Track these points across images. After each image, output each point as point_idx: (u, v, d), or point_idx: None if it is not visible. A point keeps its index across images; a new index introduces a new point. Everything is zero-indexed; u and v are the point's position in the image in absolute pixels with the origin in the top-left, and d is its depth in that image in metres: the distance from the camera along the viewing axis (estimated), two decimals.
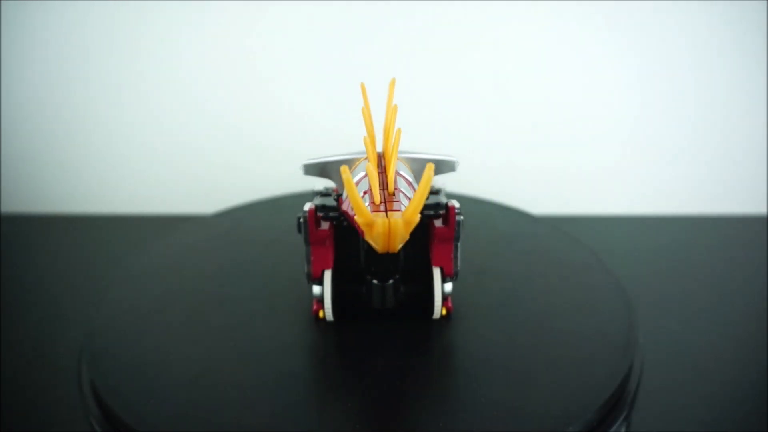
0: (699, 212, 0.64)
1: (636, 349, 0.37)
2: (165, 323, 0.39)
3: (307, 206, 0.35)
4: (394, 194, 0.31)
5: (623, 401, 0.35)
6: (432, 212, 0.35)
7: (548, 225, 0.49)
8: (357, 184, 0.33)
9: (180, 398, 0.33)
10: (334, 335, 0.38)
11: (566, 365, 0.35)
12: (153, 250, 0.46)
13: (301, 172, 0.37)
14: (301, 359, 0.36)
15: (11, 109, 0.62)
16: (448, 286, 0.37)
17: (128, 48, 0.60)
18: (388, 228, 0.28)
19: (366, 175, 0.32)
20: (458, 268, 0.37)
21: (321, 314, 0.38)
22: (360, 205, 0.27)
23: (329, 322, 0.38)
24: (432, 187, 0.36)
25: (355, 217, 0.28)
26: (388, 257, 0.36)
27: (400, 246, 0.30)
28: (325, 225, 0.35)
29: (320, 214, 0.35)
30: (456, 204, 0.35)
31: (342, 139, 0.44)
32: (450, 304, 0.38)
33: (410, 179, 0.34)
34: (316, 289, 0.37)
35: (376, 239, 0.29)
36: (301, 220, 0.35)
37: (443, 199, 0.35)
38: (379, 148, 0.35)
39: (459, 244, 0.36)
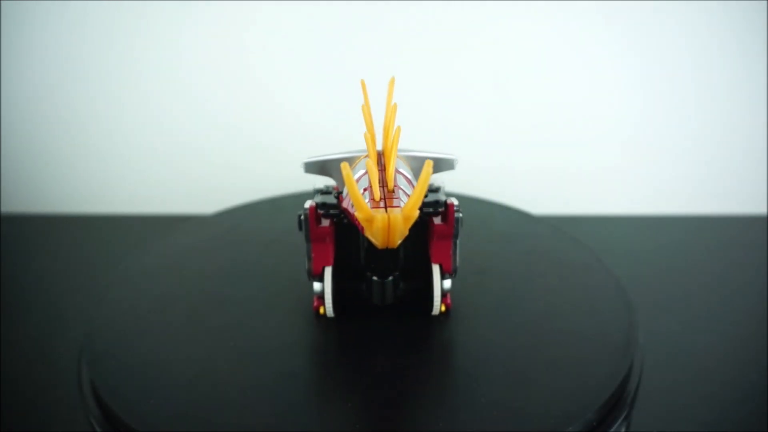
0: (699, 212, 0.64)
1: (636, 349, 0.37)
2: (165, 323, 0.39)
3: (308, 204, 0.35)
4: (393, 191, 0.31)
5: (623, 401, 0.35)
6: (431, 209, 0.35)
7: (548, 225, 0.49)
8: (357, 181, 0.33)
9: (180, 398, 0.33)
10: (334, 333, 0.38)
11: (566, 365, 0.35)
12: (153, 250, 0.46)
13: (301, 170, 0.37)
14: (301, 359, 0.36)
15: (11, 109, 0.62)
16: (447, 283, 0.37)
17: (128, 48, 0.60)
18: (387, 223, 0.28)
19: (366, 173, 0.33)
20: (457, 265, 0.37)
21: (321, 310, 0.38)
22: (360, 201, 0.28)
23: (329, 319, 0.38)
24: (431, 185, 0.37)
25: (355, 213, 0.28)
26: (388, 254, 0.36)
27: (400, 241, 0.30)
28: (325, 222, 0.36)
29: (321, 211, 0.36)
30: (455, 201, 0.35)
31: (342, 138, 0.44)
32: (449, 301, 0.38)
33: (410, 177, 0.34)
34: (316, 286, 0.37)
35: (375, 234, 0.29)
36: (302, 217, 0.35)
37: (442, 197, 0.36)
38: (379, 146, 0.35)
39: (458, 241, 0.36)
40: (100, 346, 0.37)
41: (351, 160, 0.35)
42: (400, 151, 0.35)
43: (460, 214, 0.35)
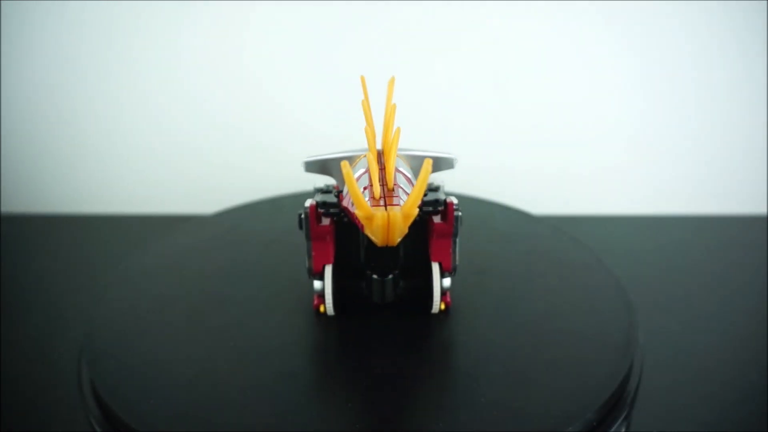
0: (699, 212, 0.64)
1: (636, 349, 0.37)
2: (165, 323, 0.39)
3: (308, 202, 0.36)
4: (393, 190, 0.31)
5: (623, 401, 0.35)
6: (431, 208, 0.36)
7: (548, 225, 0.49)
8: (357, 179, 0.33)
9: (180, 398, 0.33)
10: (334, 332, 0.38)
11: (566, 365, 0.35)
12: (153, 250, 0.46)
13: (302, 169, 0.37)
14: (301, 359, 0.36)
15: (11, 109, 0.62)
16: (447, 281, 0.37)
17: (127, 48, 0.60)
18: (387, 221, 0.29)
19: (366, 171, 0.33)
20: (456, 263, 0.37)
21: (322, 309, 0.38)
22: (360, 199, 0.28)
23: (329, 318, 0.38)
24: (431, 184, 0.37)
25: (355, 211, 0.29)
26: (388, 252, 0.37)
27: (399, 239, 0.30)
28: (325, 221, 0.36)
29: (321, 210, 0.36)
30: (454, 200, 0.36)
31: (342, 138, 0.44)
32: (449, 299, 0.38)
33: (409, 176, 0.34)
34: (317, 284, 0.37)
35: (375, 232, 0.29)
36: (303, 216, 0.36)
37: (442, 196, 0.36)
38: (379, 145, 0.35)
39: (457, 240, 0.36)
40: (100, 346, 0.37)
41: (351, 159, 0.36)
42: (400, 150, 0.36)
43: (460, 213, 0.35)
